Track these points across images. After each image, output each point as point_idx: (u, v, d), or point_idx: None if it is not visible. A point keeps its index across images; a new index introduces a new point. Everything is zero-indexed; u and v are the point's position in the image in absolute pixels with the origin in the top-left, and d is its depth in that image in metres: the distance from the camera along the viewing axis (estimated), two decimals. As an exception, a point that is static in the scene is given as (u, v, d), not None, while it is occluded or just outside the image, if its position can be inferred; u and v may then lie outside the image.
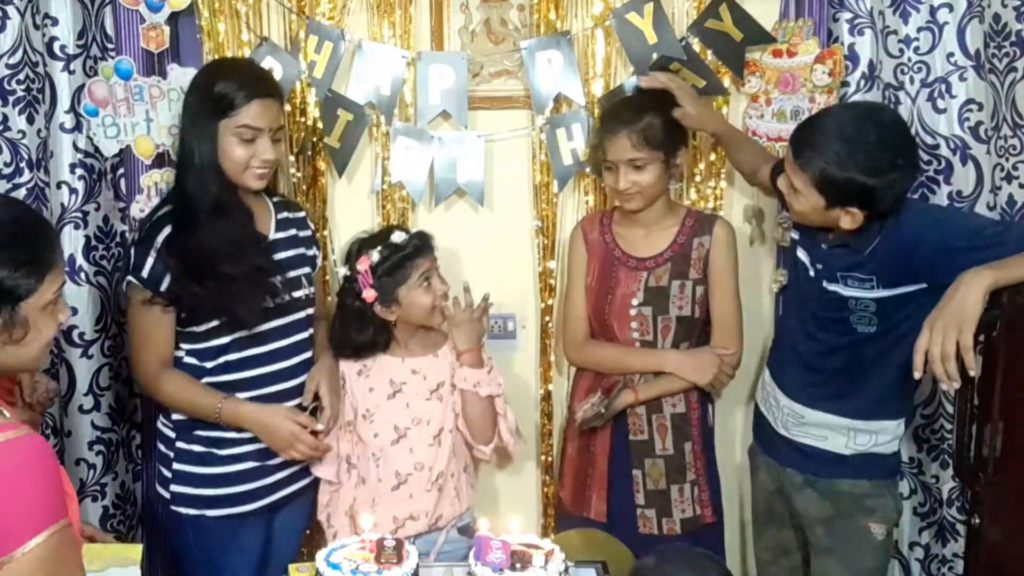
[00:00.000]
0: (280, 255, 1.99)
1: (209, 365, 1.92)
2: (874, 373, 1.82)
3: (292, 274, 1.99)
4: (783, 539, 2.06)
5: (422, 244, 2.01)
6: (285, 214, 2.04)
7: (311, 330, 2.04)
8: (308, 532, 2.21)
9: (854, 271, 1.78)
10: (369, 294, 1.96)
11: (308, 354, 2.02)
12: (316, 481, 2.07)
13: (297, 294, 1.98)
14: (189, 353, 1.93)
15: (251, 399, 1.93)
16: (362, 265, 1.97)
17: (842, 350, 1.84)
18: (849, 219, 1.71)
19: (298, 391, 1.98)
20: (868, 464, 1.89)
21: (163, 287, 1.85)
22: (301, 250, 2.04)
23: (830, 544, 1.91)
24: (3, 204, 1.33)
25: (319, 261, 2.12)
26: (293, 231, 2.04)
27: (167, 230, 1.87)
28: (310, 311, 2.03)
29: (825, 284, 1.83)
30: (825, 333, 1.86)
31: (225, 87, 1.86)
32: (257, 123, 1.86)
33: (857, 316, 1.79)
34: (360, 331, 2.02)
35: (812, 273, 1.87)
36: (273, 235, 2.00)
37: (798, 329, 1.93)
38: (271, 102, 1.88)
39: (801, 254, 1.92)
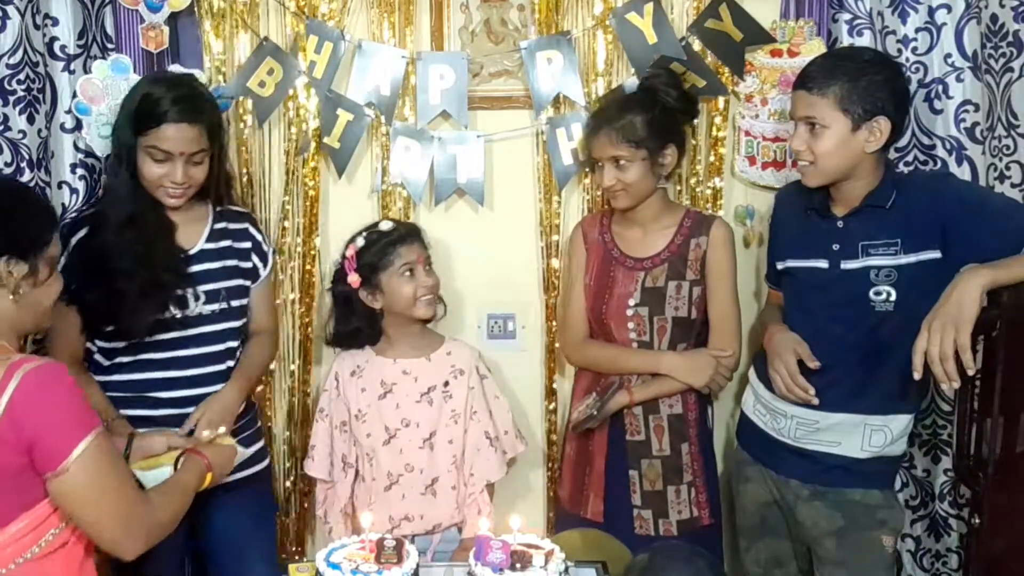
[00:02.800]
0: (202, 266, 1.94)
1: (106, 363, 1.93)
2: (890, 361, 1.76)
3: (210, 287, 1.94)
4: (778, 551, 1.99)
5: (408, 233, 2.01)
6: (223, 224, 1.99)
7: (228, 343, 1.97)
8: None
9: (879, 235, 1.76)
10: (353, 279, 1.98)
11: (217, 367, 1.95)
12: (261, 471, 2.03)
13: (210, 307, 1.93)
14: (99, 350, 1.93)
15: (142, 400, 1.91)
16: (349, 251, 2.00)
17: (858, 342, 1.79)
18: (876, 135, 1.74)
19: (196, 401, 1.92)
20: (878, 472, 1.84)
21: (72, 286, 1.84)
22: (233, 262, 1.99)
23: (841, 557, 1.84)
24: (13, 182, 1.58)
25: (264, 272, 2.04)
26: (227, 242, 1.99)
27: (83, 231, 1.89)
28: (229, 324, 1.97)
29: (843, 265, 1.79)
30: (840, 324, 1.80)
31: (145, 104, 1.83)
32: (165, 146, 1.83)
33: (877, 290, 1.76)
34: (345, 320, 2.03)
35: (825, 264, 1.82)
36: (201, 245, 1.96)
37: (804, 335, 1.86)
38: (187, 127, 1.83)
39: (794, 264, 1.89)
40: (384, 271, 1.97)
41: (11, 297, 1.39)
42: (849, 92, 1.72)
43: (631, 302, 2.02)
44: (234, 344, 1.99)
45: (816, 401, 1.81)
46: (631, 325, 2.03)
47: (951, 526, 2.19)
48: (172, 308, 1.88)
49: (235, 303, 1.98)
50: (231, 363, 1.98)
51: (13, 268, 1.38)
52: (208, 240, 1.97)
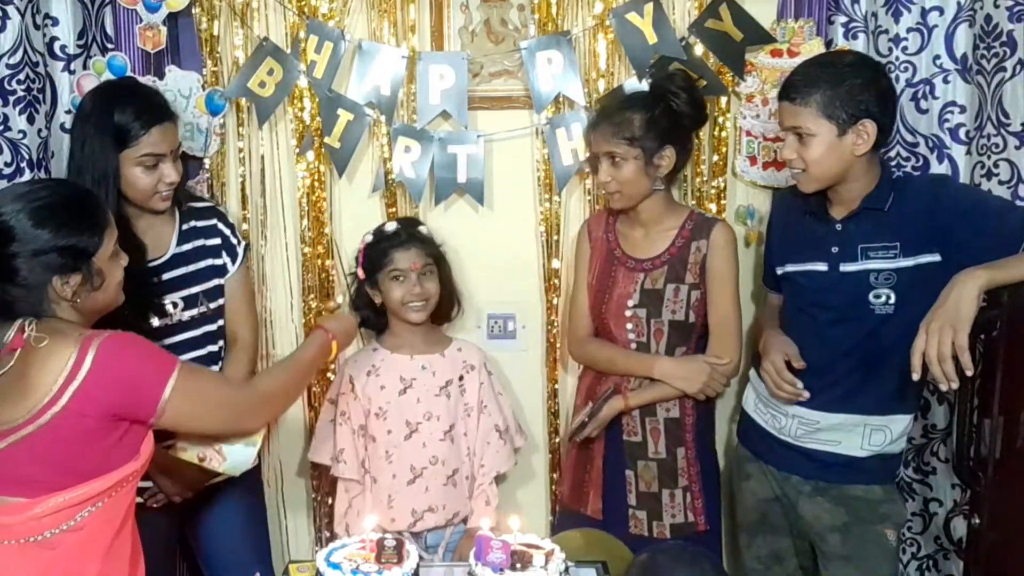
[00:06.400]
0: (175, 272, 1.86)
1: None
2: (890, 362, 1.71)
3: (186, 293, 1.86)
4: (779, 548, 1.93)
5: (407, 239, 1.99)
6: (192, 223, 1.91)
7: (210, 348, 1.90)
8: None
9: (877, 238, 1.72)
10: (360, 272, 2.05)
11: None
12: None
13: (189, 313, 1.86)
14: None
15: None
16: (361, 244, 2.05)
17: (858, 344, 1.74)
18: (864, 138, 1.68)
19: None
20: (878, 468, 1.79)
21: None
22: (208, 261, 1.90)
23: (847, 551, 1.80)
24: (55, 187, 1.50)
25: (232, 268, 1.94)
26: (199, 242, 1.90)
27: None
28: (209, 328, 1.90)
29: (842, 268, 1.75)
30: (840, 327, 1.75)
31: (123, 118, 1.74)
32: (157, 149, 1.76)
33: (876, 293, 1.72)
34: (357, 304, 2.10)
35: (825, 267, 1.77)
36: (174, 249, 1.87)
37: (804, 337, 1.81)
38: (168, 125, 1.78)
39: (793, 268, 1.84)
40: (380, 271, 1.99)
41: (73, 306, 1.43)
42: (831, 99, 1.67)
43: (630, 303, 1.96)
44: (215, 348, 1.92)
45: (807, 395, 1.77)
46: (629, 326, 1.97)
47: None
48: (153, 319, 1.81)
49: (213, 305, 1.90)
50: (215, 369, 1.91)
51: (69, 280, 1.41)
52: (178, 243, 1.88)
